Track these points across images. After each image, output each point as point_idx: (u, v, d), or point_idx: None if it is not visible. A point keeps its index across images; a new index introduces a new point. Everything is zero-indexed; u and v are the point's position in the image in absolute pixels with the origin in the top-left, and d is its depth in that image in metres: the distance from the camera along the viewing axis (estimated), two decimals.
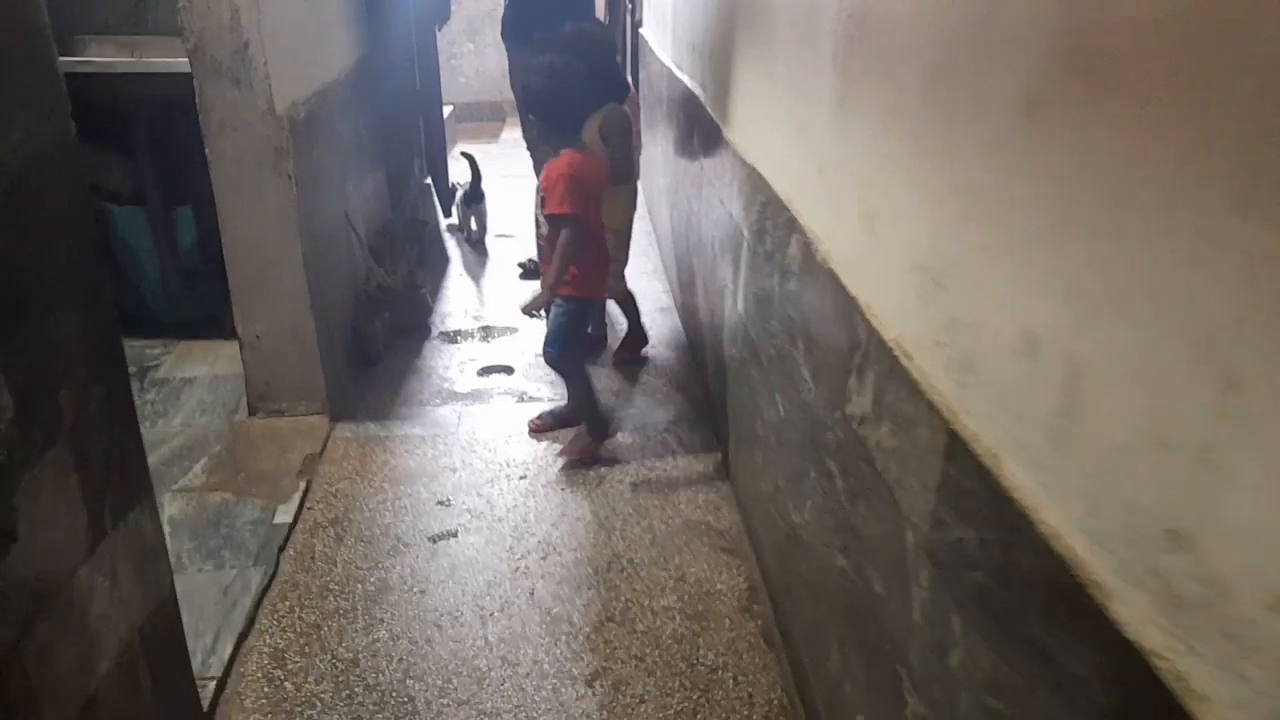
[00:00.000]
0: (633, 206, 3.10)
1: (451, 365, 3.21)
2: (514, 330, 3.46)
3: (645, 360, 3.25)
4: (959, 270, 1.08)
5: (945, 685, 1.11)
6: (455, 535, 2.32)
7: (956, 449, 1.05)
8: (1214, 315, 0.67)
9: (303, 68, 2.72)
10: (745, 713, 1.82)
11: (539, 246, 2.66)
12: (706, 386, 2.91)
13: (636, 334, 3.26)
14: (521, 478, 2.56)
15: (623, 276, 3.15)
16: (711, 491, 2.51)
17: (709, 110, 2.71)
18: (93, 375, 1.30)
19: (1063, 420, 0.86)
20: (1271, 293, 0.62)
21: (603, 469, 2.60)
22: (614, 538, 2.32)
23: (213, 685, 1.80)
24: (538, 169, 3.20)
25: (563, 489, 2.52)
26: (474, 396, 2.99)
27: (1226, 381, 0.66)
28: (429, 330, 3.45)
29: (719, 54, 2.58)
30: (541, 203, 2.49)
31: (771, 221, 1.92)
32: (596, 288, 2.61)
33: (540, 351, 2.64)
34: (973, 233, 1.04)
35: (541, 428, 2.78)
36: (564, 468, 2.60)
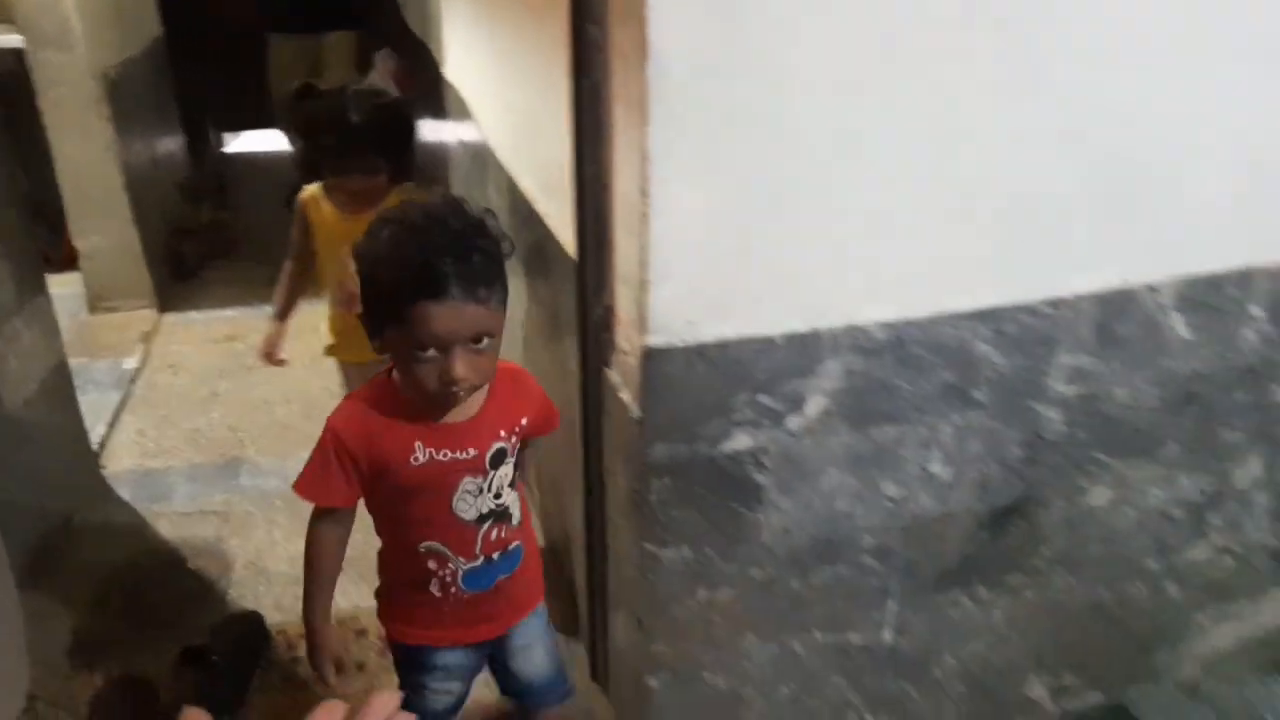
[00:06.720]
0: None
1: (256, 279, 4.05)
2: None
3: None
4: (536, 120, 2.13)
5: None
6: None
7: (530, 209, 2.11)
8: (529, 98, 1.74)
9: (112, 40, 3.52)
10: None
11: None
12: None
13: None
14: None
15: None
16: None
17: None
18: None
19: (554, 171, 1.92)
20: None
21: None
22: None
23: (97, 443, 2.65)
24: None
25: None
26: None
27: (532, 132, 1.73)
28: (238, 255, 4.26)
29: None
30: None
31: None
32: None
33: None
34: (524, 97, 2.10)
35: None
36: None
